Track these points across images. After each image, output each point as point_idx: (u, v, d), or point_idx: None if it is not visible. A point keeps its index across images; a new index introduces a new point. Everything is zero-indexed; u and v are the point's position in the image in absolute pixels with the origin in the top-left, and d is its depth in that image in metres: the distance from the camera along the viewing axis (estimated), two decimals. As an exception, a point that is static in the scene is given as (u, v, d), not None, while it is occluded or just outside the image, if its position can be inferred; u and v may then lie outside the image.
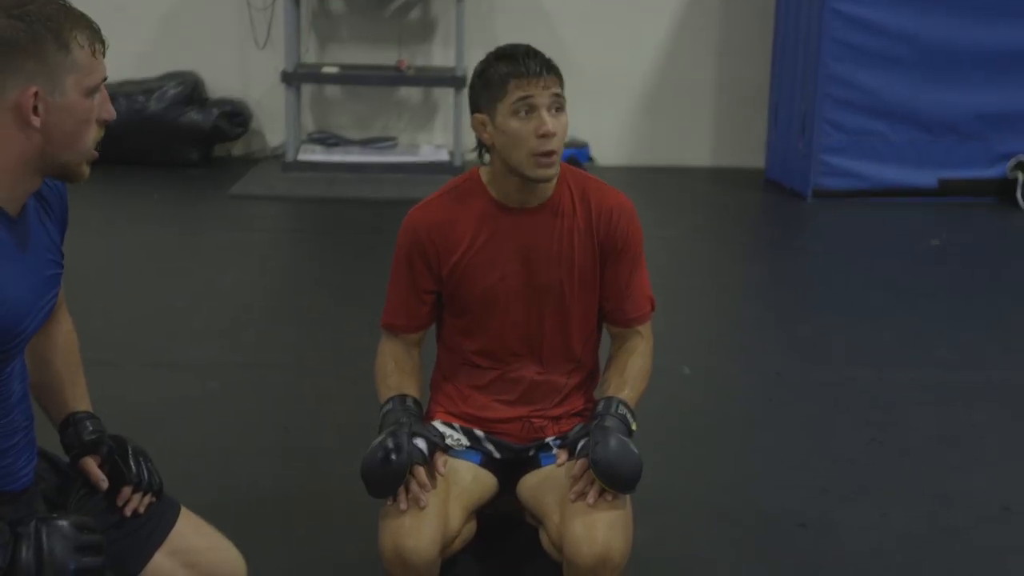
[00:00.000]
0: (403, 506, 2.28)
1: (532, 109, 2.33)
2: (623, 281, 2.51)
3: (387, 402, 2.46)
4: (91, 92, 1.81)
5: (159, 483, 2.14)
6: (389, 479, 2.28)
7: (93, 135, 1.84)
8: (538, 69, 2.32)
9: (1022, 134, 6.83)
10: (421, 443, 2.34)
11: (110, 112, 1.86)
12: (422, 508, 2.27)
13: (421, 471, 2.32)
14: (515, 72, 2.33)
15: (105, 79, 1.84)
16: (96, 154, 1.87)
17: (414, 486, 2.29)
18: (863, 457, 3.54)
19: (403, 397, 2.46)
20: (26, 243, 1.87)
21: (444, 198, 2.51)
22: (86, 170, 1.87)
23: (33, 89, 1.75)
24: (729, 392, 4.09)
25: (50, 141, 1.79)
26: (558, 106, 2.35)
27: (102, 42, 1.83)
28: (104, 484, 2.10)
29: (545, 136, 2.32)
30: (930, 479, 3.41)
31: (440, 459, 2.38)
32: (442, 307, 2.56)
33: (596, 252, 2.48)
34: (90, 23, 1.82)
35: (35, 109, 1.76)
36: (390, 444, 2.29)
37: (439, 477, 2.37)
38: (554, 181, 2.45)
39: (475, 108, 2.42)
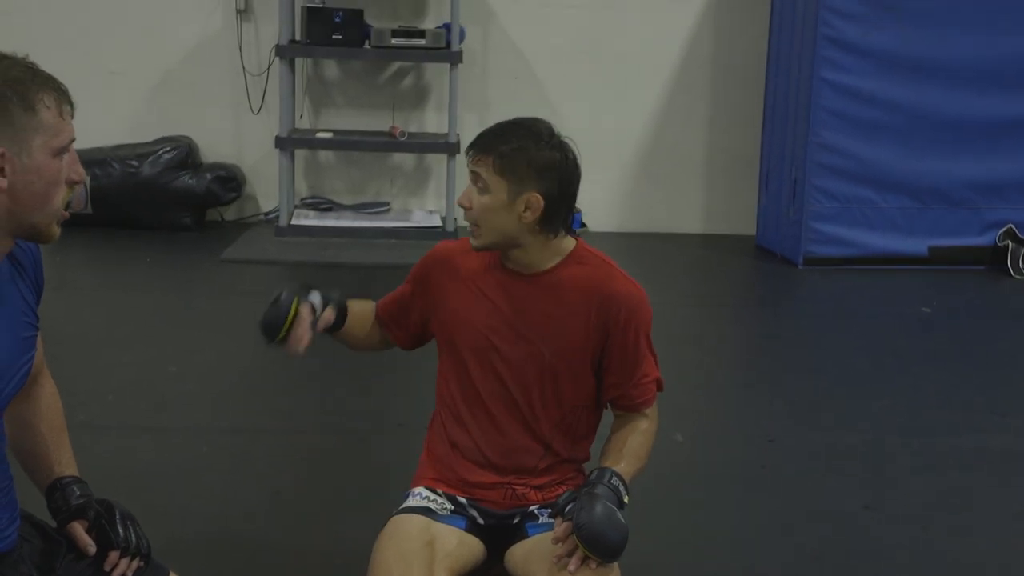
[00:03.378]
0: (291, 347, 2.47)
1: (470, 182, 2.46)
2: (628, 368, 2.48)
3: None
4: (59, 153, 1.81)
5: (147, 547, 2.12)
6: (275, 316, 2.46)
7: (62, 196, 1.84)
8: (474, 146, 2.45)
9: (1012, 202, 6.87)
10: (315, 296, 2.49)
11: (79, 173, 1.86)
12: (300, 348, 2.46)
13: (306, 311, 2.46)
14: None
15: (73, 140, 1.84)
16: (67, 214, 1.87)
17: (297, 328, 2.45)
18: (857, 522, 3.52)
19: None
20: (1, 305, 1.87)
21: (468, 242, 2.55)
22: (57, 231, 1.86)
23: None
24: (722, 458, 4.07)
25: (18, 202, 1.78)
26: (477, 184, 2.43)
27: (70, 103, 1.83)
28: (92, 549, 2.08)
29: (461, 206, 2.47)
30: (924, 545, 3.39)
31: (328, 312, 2.51)
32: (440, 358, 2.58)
33: (591, 336, 2.46)
34: (57, 85, 1.82)
35: (2, 171, 1.75)
36: (283, 293, 2.48)
37: (424, 542, 2.35)
38: (537, 257, 2.49)
39: None
